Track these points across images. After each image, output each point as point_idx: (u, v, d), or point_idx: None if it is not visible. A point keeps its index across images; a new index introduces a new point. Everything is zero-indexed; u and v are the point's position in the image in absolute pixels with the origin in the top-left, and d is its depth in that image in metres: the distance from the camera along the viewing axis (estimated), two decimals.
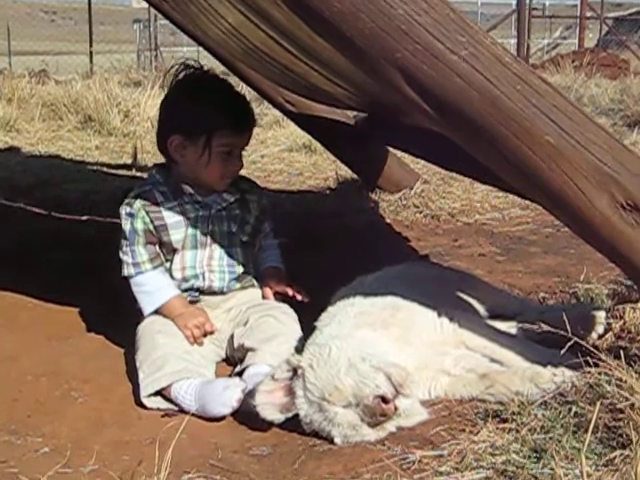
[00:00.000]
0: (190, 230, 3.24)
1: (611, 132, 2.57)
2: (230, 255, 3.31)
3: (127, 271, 3.22)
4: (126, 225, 3.22)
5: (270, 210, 3.49)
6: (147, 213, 3.20)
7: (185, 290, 3.27)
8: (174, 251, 3.25)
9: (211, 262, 3.28)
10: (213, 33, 3.73)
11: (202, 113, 3.20)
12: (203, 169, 3.22)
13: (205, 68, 3.43)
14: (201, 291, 3.29)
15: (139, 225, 3.20)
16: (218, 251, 3.29)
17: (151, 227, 3.21)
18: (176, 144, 3.23)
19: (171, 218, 3.23)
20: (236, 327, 3.22)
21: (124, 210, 3.23)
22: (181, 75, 3.35)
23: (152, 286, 3.21)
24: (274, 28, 3.06)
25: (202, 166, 3.21)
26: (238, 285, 3.33)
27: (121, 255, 3.23)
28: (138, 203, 3.21)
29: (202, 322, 3.16)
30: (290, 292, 3.29)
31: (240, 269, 3.33)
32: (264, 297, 3.33)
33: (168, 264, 3.26)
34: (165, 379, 2.93)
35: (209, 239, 3.27)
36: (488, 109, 2.34)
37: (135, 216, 3.20)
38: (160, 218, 3.22)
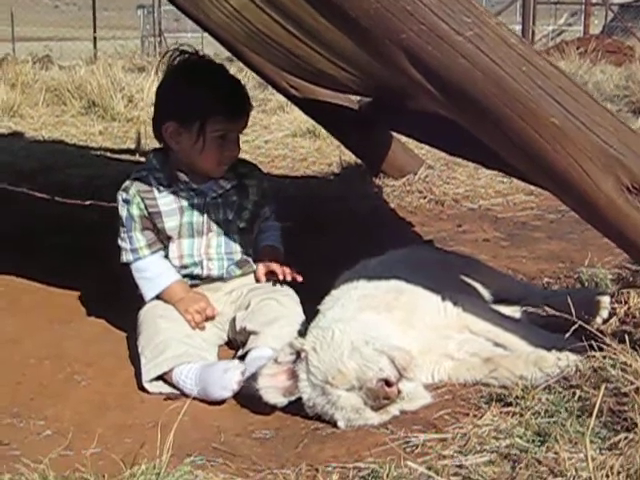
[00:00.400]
0: (185, 218, 3.23)
1: (616, 114, 2.55)
2: (228, 242, 3.29)
3: (126, 257, 3.22)
4: (122, 211, 3.22)
5: (271, 194, 3.46)
6: (142, 199, 3.19)
7: (184, 276, 3.26)
8: (169, 238, 3.23)
9: (209, 250, 3.27)
10: (216, 16, 3.71)
11: (195, 99, 3.17)
12: (198, 155, 3.20)
13: (200, 53, 3.40)
14: (200, 278, 3.28)
15: (135, 211, 3.19)
16: (215, 239, 3.27)
17: (146, 213, 3.20)
18: (171, 131, 3.21)
19: (165, 205, 3.21)
20: (238, 310, 3.21)
21: (120, 196, 3.23)
22: (175, 61, 3.32)
23: (152, 272, 3.20)
24: (278, 10, 3.04)
25: (197, 152, 3.19)
26: (238, 272, 3.31)
27: (119, 242, 3.23)
28: (133, 189, 3.20)
29: (203, 307, 3.15)
30: (280, 274, 3.25)
31: (239, 256, 3.31)
32: (256, 276, 3.31)
33: (166, 252, 3.25)
34: (166, 364, 2.93)
35: (205, 227, 3.25)
36: (493, 90, 2.32)
37: (131, 202, 3.19)
38: (154, 205, 3.20)
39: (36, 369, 3.13)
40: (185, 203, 3.22)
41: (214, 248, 3.27)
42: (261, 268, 3.30)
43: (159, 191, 3.21)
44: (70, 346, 3.31)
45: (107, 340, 3.36)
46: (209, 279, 3.28)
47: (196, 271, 3.25)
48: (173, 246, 3.23)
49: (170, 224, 3.21)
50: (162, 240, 3.24)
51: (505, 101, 2.33)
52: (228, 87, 3.25)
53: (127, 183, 3.24)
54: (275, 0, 2.89)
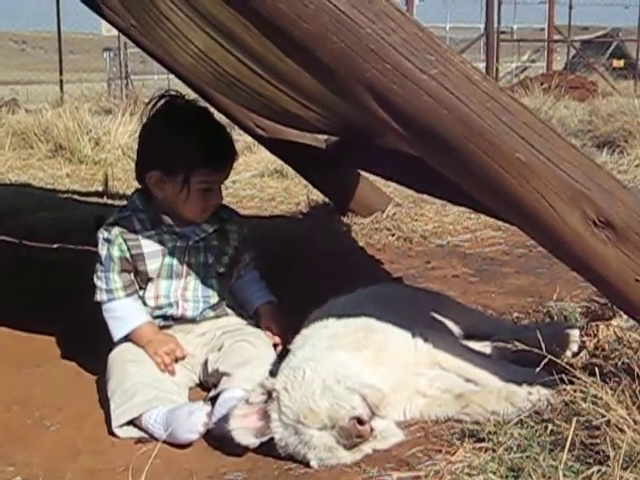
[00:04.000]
0: (166, 260, 3.21)
1: (580, 149, 2.57)
2: (205, 286, 3.28)
3: (100, 297, 3.19)
4: (102, 250, 3.19)
5: (251, 241, 3.46)
6: (125, 241, 3.17)
7: (157, 317, 3.24)
8: (149, 280, 3.22)
9: (185, 292, 3.25)
10: (182, 58, 3.73)
11: (180, 150, 3.14)
12: (182, 204, 3.19)
13: (186, 98, 3.37)
14: (174, 318, 3.27)
15: (115, 252, 3.17)
16: (193, 282, 3.26)
17: (127, 255, 3.18)
18: (155, 180, 3.19)
19: (148, 247, 3.20)
20: (210, 352, 3.20)
21: (102, 234, 3.20)
22: (160, 105, 3.30)
23: (123, 312, 3.18)
24: (243, 51, 3.05)
25: (181, 201, 3.19)
26: (212, 314, 3.30)
27: (95, 280, 3.20)
28: (116, 230, 3.18)
29: (172, 349, 3.13)
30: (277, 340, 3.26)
31: (215, 299, 3.30)
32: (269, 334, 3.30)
33: (142, 292, 3.23)
34: (136, 409, 2.90)
35: (185, 270, 3.24)
36: (458, 127, 2.34)
37: (112, 242, 3.17)
38: (137, 247, 3.19)
39: (4, 415, 3.09)
40: (167, 245, 3.21)
41: (191, 291, 3.26)
42: (270, 333, 3.29)
43: (142, 233, 3.20)
44: (39, 391, 3.27)
45: (76, 384, 3.32)
46: (182, 320, 3.26)
47: (170, 311, 3.24)
48: (151, 286, 3.22)
49: (152, 266, 3.20)
50: (140, 282, 3.22)
51: (470, 138, 2.34)
52: (214, 138, 3.22)
53: (110, 222, 3.22)
54: (240, 41, 2.90)
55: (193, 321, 3.28)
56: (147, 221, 3.22)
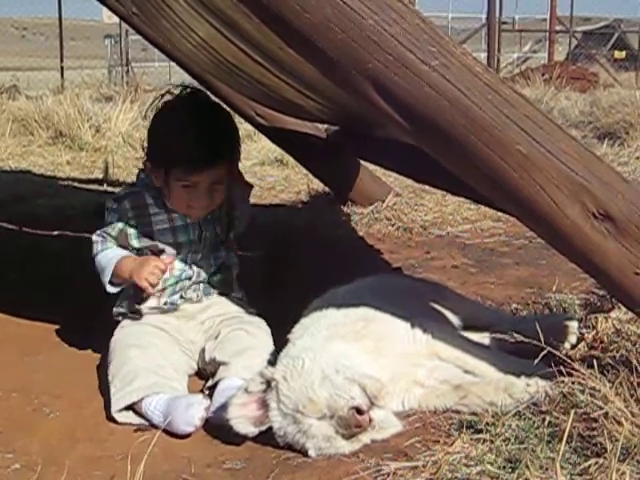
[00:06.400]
0: (178, 235, 3.26)
1: (581, 141, 2.57)
2: (217, 256, 3.34)
3: (94, 249, 3.22)
4: (107, 216, 3.25)
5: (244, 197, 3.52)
6: (135, 216, 3.23)
7: (166, 289, 3.26)
8: (161, 253, 3.24)
9: (200, 263, 3.30)
10: (184, 47, 3.72)
11: (160, 146, 3.22)
12: (169, 196, 3.24)
13: (189, 91, 3.37)
14: (181, 296, 3.29)
15: (119, 224, 3.22)
16: (206, 254, 3.31)
17: (131, 231, 3.22)
18: (147, 169, 3.27)
19: (159, 224, 3.25)
20: (208, 340, 3.21)
21: (110, 204, 3.26)
22: (165, 98, 3.33)
23: (105, 259, 3.19)
24: (245, 41, 3.05)
25: (167, 194, 3.24)
26: (216, 290, 3.36)
27: (94, 237, 3.24)
28: (127, 204, 3.24)
29: (154, 265, 3.11)
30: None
31: (227, 271, 3.37)
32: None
33: None
34: (135, 394, 2.91)
35: (196, 245, 3.28)
36: (459, 119, 2.34)
37: (119, 214, 3.23)
38: (148, 223, 3.24)
39: (4, 402, 3.10)
40: (178, 223, 3.26)
41: (205, 262, 3.30)
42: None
43: (153, 208, 3.25)
44: (39, 378, 3.28)
45: (77, 371, 3.33)
46: (188, 298, 3.29)
47: (185, 274, 3.27)
48: (165, 260, 3.23)
49: (163, 242, 3.24)
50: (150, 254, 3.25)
51: (471, 129, 2.35)
52: (197, 136, 3.16)
53: (121, 195, 3.29)
54: (242, 31, 2.90)
55: (198, 301, 3.31)
56: (158, 198, 3.26)
